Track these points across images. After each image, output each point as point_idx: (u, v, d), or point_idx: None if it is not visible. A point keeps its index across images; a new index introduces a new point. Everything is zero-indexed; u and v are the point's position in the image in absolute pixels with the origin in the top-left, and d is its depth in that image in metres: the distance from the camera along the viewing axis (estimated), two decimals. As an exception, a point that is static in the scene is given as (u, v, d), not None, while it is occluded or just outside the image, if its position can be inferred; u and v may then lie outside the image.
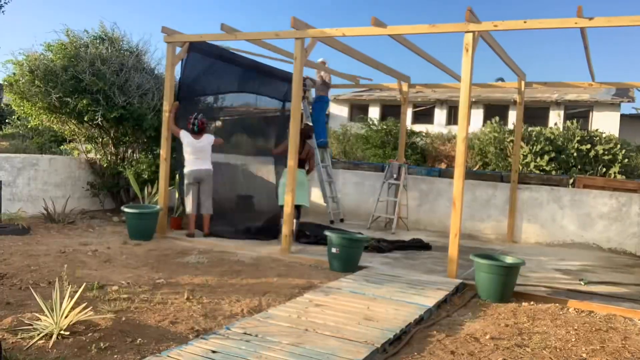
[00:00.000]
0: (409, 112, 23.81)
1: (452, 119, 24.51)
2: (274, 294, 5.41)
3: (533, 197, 9.97)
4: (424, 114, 26.01)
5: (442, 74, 9.57)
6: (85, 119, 9.17)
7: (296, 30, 7.33)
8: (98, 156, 10.17)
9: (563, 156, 14.20)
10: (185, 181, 8.21)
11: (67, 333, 3.87)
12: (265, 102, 10.19)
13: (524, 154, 14.25)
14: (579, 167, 14.09)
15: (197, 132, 8.10)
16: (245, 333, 4.06)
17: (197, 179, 8.13)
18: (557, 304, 5.67)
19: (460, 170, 6.44)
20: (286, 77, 10.12)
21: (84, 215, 9.49)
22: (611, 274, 7.41)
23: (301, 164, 8.14)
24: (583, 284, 6.53)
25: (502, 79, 22.45)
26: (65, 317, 3.95)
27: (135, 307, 4.68)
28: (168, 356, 3.55)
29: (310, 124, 9.50)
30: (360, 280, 5.96)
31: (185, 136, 8.11)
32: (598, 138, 14.69)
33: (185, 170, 8.17)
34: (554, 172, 13.75)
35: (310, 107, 11.03)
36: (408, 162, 11.38)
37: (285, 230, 7.39)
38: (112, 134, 9.82)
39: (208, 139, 8.18)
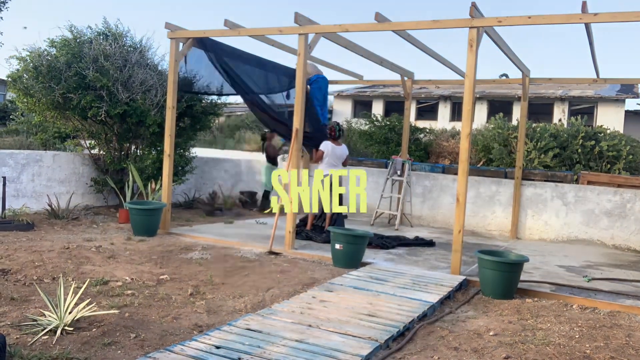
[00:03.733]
0: (413, 108, 23.78)
1: (455, 115, 24.45)
2: (277, 290, 5.42)
3: (537, 194, 9.95)
4: (427, 110, 25.96)
5: (446, 69, 9.55)
6: (89, 115, 9.17)
7: (299, 26, 7.32)
8: (102, 152, 10.18)
9: (567, 152, 14.14)
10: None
11: (71, 329, 3.88)
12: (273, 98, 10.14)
13: (528, 150, 14.20)
14: (583, 163, 14.03)
15: (338, 138, 8.56)
16: (248, 329, 4.06)
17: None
18: (561, 301, 5.66)
19: (464, 166, 6.43)
20: (289, 73, 10.12)
21: (88, 211, 9.51)
22: (615, 270, 7.39)
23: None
24: (586, 280, 6.52)
25: (506, 75, 22.40)
26: (69, 312, 3.97)
27: (139, 303, 4.69)
28: (172, 352, 3.55)
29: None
30: (363, 277, 5.96)
31: (326, 143, 8.46)
32: (602, 134, 14.62)
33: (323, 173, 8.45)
34: (558, 169, 13.70)
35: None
36: (411, 159, 11.34)
37: (288, 226, 7.39)
38: (115, 130, 9.82)
39: (344, 146, 8.70)
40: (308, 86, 9.52)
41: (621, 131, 17.77)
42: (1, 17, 9.86)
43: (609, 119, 21.15)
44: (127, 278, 5.47)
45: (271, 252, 7.18)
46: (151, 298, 4.87)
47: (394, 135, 18.01)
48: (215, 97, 10.06)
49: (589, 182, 10.32)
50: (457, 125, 22.07)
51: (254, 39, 8.42)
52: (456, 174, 6.75)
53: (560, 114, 22.37)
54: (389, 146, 17.94)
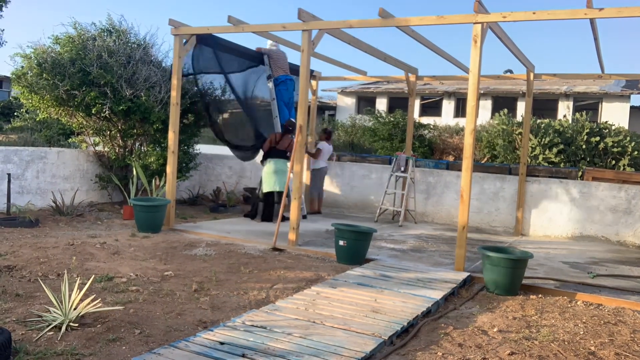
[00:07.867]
0: (417, 105, 23.73)
1: (460, 111, 24.40)
2: (281, 286, 5.42)
3: (541, 190, 9.92)
4: (431, 106, 25.92)
5: (450, 65, 9.52)
6: (93, 111, 9.19)
7: (303, 22, 7.30)
8: (106, 149, 10.20)
9: (572, 148, 14.09)
10: (319, 175, 10.67)
11: (76, 325, 3.90)
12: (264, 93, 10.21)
13: (533, 146, 14.16)
14: (588, 159, 13.99)
15: (329, 139, 10.85)
16: (252, 325, 4.07)
17: (325, 172, 10.79)
18: (566, 297, 5.65)
19: (468, 162, 6.41)
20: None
21: (92, 207, 9.54)
22: (620, 266, 7.37)
23: (284, 154, 9.33)
24: (591, 277, 6.50)
25: (510, 71, 22.32)
26: (74, 308, 3.98)
27: (144, 299, 4.71)
28: (176, 348, 3.56)
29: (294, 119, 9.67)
30: (367, 273, 5.95)
31: (322, 143, 10.70)
32: (607, 130, 14.56)
33: (320, 166, 10.62)
34: (562, 165, 13.66)
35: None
36: (415, 155, 11.36)
37: (292, 222, 7.39)
38: (119, 127, 9.84)
39: (331, 145, 10.92)
40: (270, 84, 9.66)
41: (626, 127, 17.69)
42: (1, 15, 9.83)
43: (614, 114, 21.07)
44: (131, 274, 5.48)
45: (275, 249, 7.19)
46: (155, 294, 4.89)
47: (397, 131, 18.00)
48: (219, 93, 10.07)
49: (594, 178, 10.28)
50: (461, 121, 22.03)
51: (258, 36, 8.41)
52: (460, 170, 6.73)
53: (564, 110, 22.30)
54: (393, 142, 17.94)
